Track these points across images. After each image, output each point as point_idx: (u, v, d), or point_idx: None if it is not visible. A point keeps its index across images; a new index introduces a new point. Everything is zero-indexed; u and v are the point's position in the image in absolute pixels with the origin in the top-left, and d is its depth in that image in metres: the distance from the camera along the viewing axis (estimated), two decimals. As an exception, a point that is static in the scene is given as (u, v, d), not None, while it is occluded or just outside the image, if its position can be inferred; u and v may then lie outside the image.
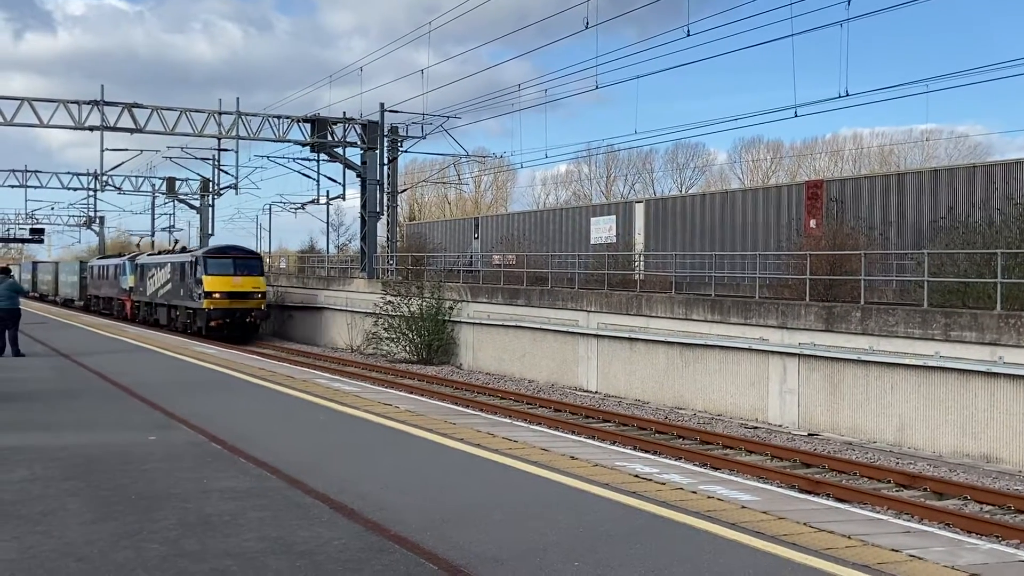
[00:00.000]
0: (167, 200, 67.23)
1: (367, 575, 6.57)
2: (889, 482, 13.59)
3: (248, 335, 41.62)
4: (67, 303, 69.15)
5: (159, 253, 53.33)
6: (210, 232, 58.75)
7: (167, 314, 45.72)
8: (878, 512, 9.98)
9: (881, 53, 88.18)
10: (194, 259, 42.01)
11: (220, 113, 38.43)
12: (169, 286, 45.12)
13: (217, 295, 40.58)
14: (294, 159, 42.19)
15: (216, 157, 51.06)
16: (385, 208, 40.97)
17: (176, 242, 60.56)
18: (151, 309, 48.34)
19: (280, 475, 9.96)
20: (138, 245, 69.71)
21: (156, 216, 73.77)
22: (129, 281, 51.81)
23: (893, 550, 7.56)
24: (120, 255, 60.34)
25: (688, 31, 20.93)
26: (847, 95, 20.48)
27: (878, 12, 17.09)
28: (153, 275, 47.67)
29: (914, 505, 10.90)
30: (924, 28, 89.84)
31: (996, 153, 66.23)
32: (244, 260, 42.14)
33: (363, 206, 40.50)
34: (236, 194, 55.16)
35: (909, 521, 9.56)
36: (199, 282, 41.11)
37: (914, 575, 6.82)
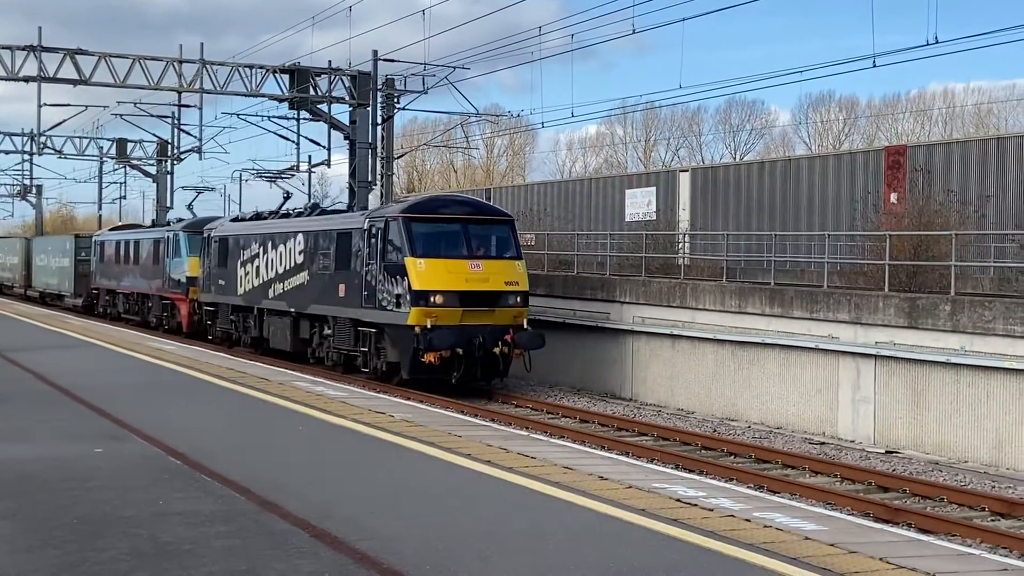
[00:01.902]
0: (117, 166, 67.41)
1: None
2: (983, 509, 13.57)
3: (492, 376, 24.68)
4: (48, 299, 56.37)
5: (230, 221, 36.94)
6: (168, 205, 58.93)
7: (292, 331, 28.63)
8: (970, 546, 9.96)
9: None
10: (376, 221, 24.72)
11: (181, 62, 38.51)
12: (301, 279, 28.09)
13: (438, 298, 23.34)
14: (269, 117, 42.19)
15: (176, 115, 51.10)
16: (379, 177, 40.97)
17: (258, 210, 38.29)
18: (246, 320, 31.71)
19: (251, 496, 10.01)
20: (153, 220, 50.29)
21: (104, 185, 74.08)
22: (188, 267, 36.61)
23: (987, 592, 7.55)
24: (154, 225, 45.23)
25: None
26: (936, 43, 20.36)
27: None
28: (252, 257, 31.05)
29: (1014, 537, 10.88)
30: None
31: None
32: (483, 225, 25.06)
33: (352, 174, 40.49)
34: (200, 159, 54.74)
35: (1007, 556, 9.54)
36: (394, 271, 23.86)
37: (1012, 622, 6.81)
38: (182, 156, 54.35)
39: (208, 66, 38.50)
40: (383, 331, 24.40)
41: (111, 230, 49.05)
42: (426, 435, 14.09)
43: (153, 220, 45.97)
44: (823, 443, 19.79)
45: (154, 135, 60.00)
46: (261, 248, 30.56)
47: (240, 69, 39.05)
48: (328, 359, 27.16)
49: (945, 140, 38.94)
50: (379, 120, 40.44)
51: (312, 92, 39.70)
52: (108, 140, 64.45)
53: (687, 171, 38.42)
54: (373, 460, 12.53)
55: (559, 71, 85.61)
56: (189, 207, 47.08)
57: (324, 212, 29.90)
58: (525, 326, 24.17)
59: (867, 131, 75.02)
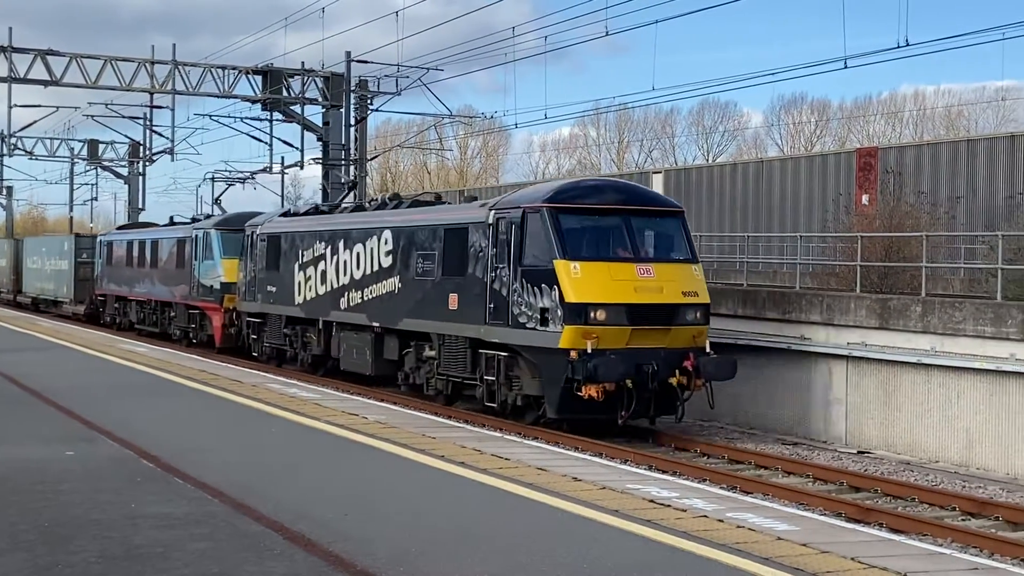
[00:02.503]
0: (88, 167, 67.02)
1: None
2: (954, 509, 13.66)
3: (664, 414, 18.87)
4: (42, 306, 51.05)
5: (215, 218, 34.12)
6: (140, 206, 58.62)
7: (374, 350, 22.90)
8: (940, 545, 10.02)
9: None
10: (508, 213, 18.93)
11: (153, 63, 38.33)
12: (389, 286, 22.16)
13: (600, 313, 17.68)
14: (242, 119, 42.05)
15: (148, 116, 50.80)
16: (352, 178, 40.89)
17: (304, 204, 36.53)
18: (305, 334, 25.92)
19: (223, 498, 9.97)
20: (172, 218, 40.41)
21: (75, 186, 73.61)
22: (222, 271, 30.82)
23: (958, 590, 7.61)
24: (172, 223, 38.16)
25: (718, -33, 20.86)
26: (907, 45, 20.49)
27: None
28: (315, 259, 25.17)
29: (984, 537, 10.95)
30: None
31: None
32: (648, 218, 19.46)
33: (325, 176, 40.41)
34: (172, 160, 53.79)
35: (977, 556, 9.60)
36: (536, 278, 18.12)
37: (982, 620, 6.86)
38: (154, 157, 54.01)
39: (180, 67, 38.32)
40: (518, 356, 18.36)
41: (119, 229, 42.89)
42: (400, 436, 14.08)
43: (171, 217, 38.14)
44: (796, 444, 19.89)
45: (126, 136, 59.65)
46: (329, 248, 24.26)
47: (213, 70, 38.88)
48: (429, 387, 21.08)
49: (916, 142, 39.21)
50: (352, 121, 40.36)
51: (285, 93, 39.58)
52: (79, 141, 64.05)
53: (660, 172, 38.57)
54: (347, 462, 12.51)
55: (533, 73, 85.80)
56: (216, 202, 39.46)
57: (419, 203, 23.92)
58: (707, 349, 18.53)
59: (839, 133, 75.49)
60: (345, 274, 23.60)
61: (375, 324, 22.38)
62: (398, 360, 22.06)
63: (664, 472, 13.68)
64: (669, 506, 10.24)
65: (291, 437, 14.25)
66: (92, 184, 71.81)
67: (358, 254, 23.10)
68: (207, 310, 31.52)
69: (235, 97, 39.91)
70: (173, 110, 40.76)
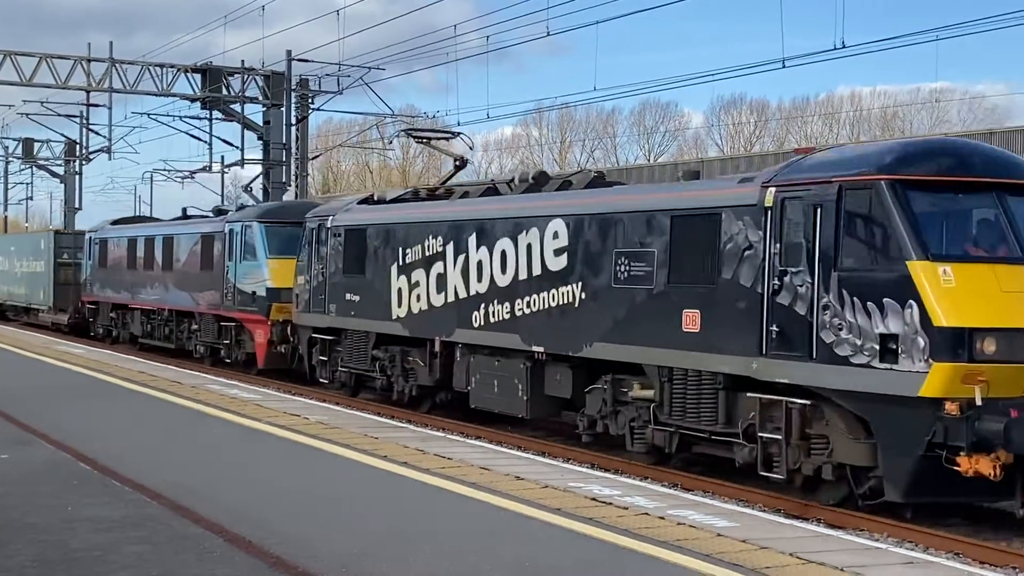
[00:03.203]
0: (23, 166, 66.01)
1: (268, 620, 6.54)
2: (892, 510, 13.83)
3: None
4: (10, 314, 44.15)
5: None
6: (77, 206, 57.81)
7: (532, 384, 16.50)
8: (877, 540, 10.16)
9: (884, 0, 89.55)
10: (806, 193, 12.48)
11: (89, 60, 37.82)
12: (561, 297, 15.79)
13: (989, 343, 11.14)
14: (181, 117, 41.64)
15: (84, 114, 50.18)
16: (293, 178, 40.63)
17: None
18: (407, 358, 19.42)
19: (163, 501, 9.88)
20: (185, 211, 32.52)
21: (9, 186, 72.44)
22: (269, 274, 24.21)
23: (893, 584, 7.73)
24: (185, 216, 31.59)
25: (659, -32, 21.01)
26: (843, 47, 20.76)
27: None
28: (428, 259, 18.72)
29: (919, 531, 11.09)
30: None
31: (1019, 116, 67.81)
32: None
33: (266, 175, 40.11)
34: (109, 159, 53.08)
35: (913, 550, 9.74)
36: (873, 289, 11.72)
37: (917, 613, 6.97)
38: (91, 156, 53.36)
39: (118, 65, 37.86)
40: (823, 404, 12.22)
41: (114, 224, 35.32)
42: (342, 437, 14.03)
43: (184, 209, 31.68)
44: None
45: (62, 135, 58.83)
46: (451, 245, 17.70)
47: (151, 68, 38.47)
48: (636, 440, 14.73)
49: (852, 143, 39.73)
50: (293, 120, 40.12)
51: (225, 92, 39.24)
52: (14, 140, 63.04)
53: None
54: (288, 463, 12.44)
55: (475, 72, 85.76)
56: (247, 188, 33.09)
57: (601, 182, 17.31)
58: None
59: (777, 133, 76.22)
60: (480, 279, 17.02)
61: (536, 349, 15.89)
62: (573, 399, 15.79)
63: (606, 470, 13.73)
64: (611, 504, 10.29)
65: (232, 438, 14.14)
66: (27, 183, 70.72)
67: (503, 252, 16.66)
68: (247, 322, 24.65)
69: (174, 95, 39.51)
70: (111, 108, 40.32)
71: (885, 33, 74.96)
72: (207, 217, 29.31)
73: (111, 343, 32.65)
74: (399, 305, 18.99)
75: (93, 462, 11.79)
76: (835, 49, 20.70)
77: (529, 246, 16.20)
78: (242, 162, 42.11)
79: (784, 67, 22.17)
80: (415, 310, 18.62)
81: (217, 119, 40.97)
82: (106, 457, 12.03)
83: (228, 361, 25.72)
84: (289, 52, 39.57)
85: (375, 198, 21.50)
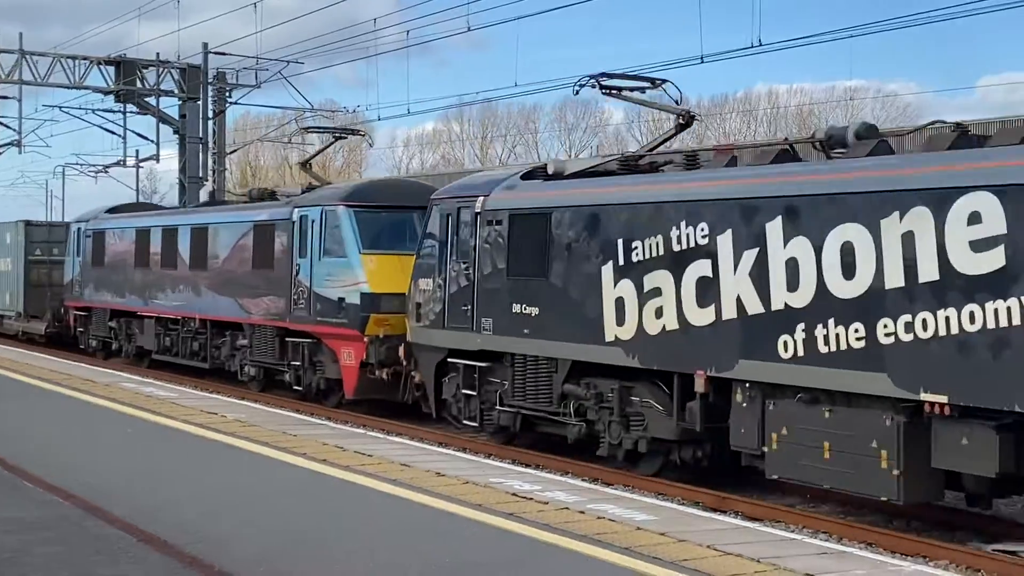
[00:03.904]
0: (-70, 160, 64.34)
1: (184, 621, 6.48)
2: (806, 496, 14.06)
3: None
4: None
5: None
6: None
7: (902, 451, 10.37)
8: (792, 531, 10.33)
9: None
10: None
11: (-2, 52, 37.01)
12: (986, 315, 9.74)
13: None
14: (94, 110, 40.92)
15: (-7, 107, 49.12)
16: (211, 172, 40.11)
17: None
18: (628, 397, 13.49)
19: (75, 501, 9.71)
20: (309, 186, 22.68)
21: (-84, 180, 70.42)
22: (364, 275, 18.17)
23: (807, 574, 7.86)
24: (215, 199, 29.12)
25: (580, -37, 21.06)
26: (760, 45, 21.00)
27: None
28: (657, 257, 12.90)
29: (832, 523, 11.29)
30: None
31: (930, 114, 69.08)
32: None
33: (182, 170, 39.52)
34: (20, 153, 51.93)
35: (827, 541, 9.90)
36: None
37: (831, 602, 7.11)
38: (1, 150, 52.14)
39: (28, 56, 37.07)
40: None
41: (109, 212, 28.58)
42: (260, 435, 13.90)
43: (211, 194, 27.10)
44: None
45: (-30, 128, 57.43)
46: (728, 234, 12.21)
47: (63, 60, 37.71)
48: None
49: (769, 140, 40.30)
50: (210, 114, 39.62)
51: (139, 85, 38.62)
52: (-81, 133, 61.40)
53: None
54: (205, 462, 12.30)
55: (396, 67, 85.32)
56: (305, 165, 24.52)
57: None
58: None
59: (697, 130, 76.96)
60: (794, 287, 11.44)
61: (928, 397, 10.22)
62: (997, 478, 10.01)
63: (527, 466, 13.79)
64: (531, 499, 10.33)
65: (146, 437, 13.95)
66: (-66, 177, 68.79)
67: (847, 246, 11.01)
68: (328, 338, 18.59)
69: (86, 88, 38.76)
70: (20, 101, 39.42)
71: (801, 32, 76.05)
72: (260, 202, 22.19)
73: (105, 358, 26.44)
74: (618, 322, 13.23)
75: (2, 462, 11.55)
76: (752, 47, 20.91)
77: (910, 235, 10.48)
78: (157, 156, 41.49)
79: (703, 62, 22.32)
80: (651, 330, 12.94)
81: (131, 112, 40.30)
82: (17, 458, 11.79)
83: (297, 388, 19.63)
84: (205, 45, 39.05)
85: (551, 170, 15.15)
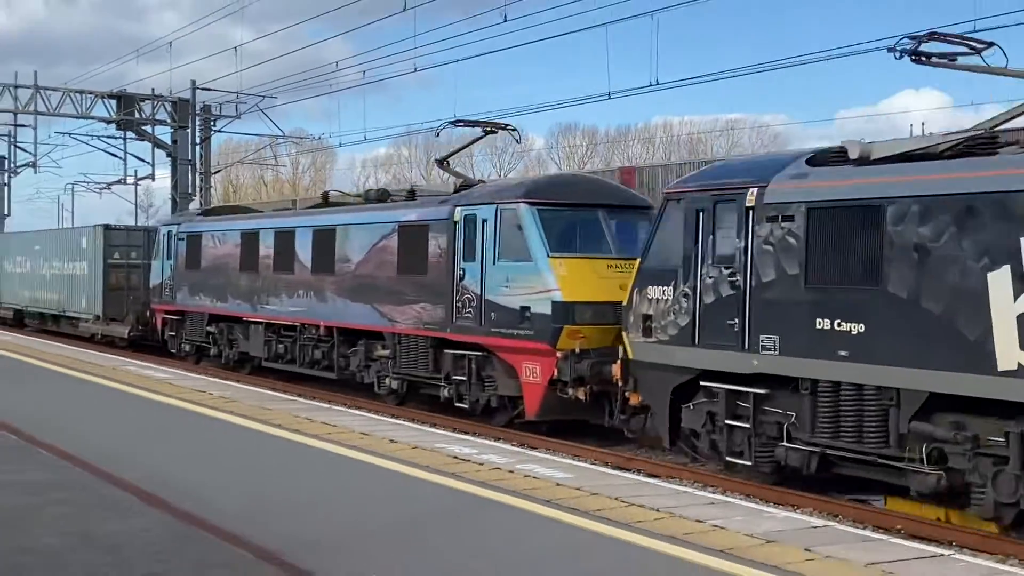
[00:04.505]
0: (-43, 178, 62.65)
1: (179, 566, 6.35)
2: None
3: None
4: (29, 321, 33.09)
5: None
6: (6, 212, 55.26)
7: None
8: (685, 485, 10.40)
9: (691, 44, 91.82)
10: None
11: (16, 87, 36.18)
12: None
13: None
14: (99, 137, 40.23)
15: (12, 133, 47.99)
16: (198, 189, 39.59)
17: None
18: None
19: (85, 466, 9.48)
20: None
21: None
22: (555, 281, 13.26)
23: (698, 520, 7.91)
24: (329, 200, 20.43)
25: (505, 16, 21.05)
26: (657, 84, 21.14)
27: (686, 3, 17.74)
28: None
29: (718, 478, 11.41)
30: (731, 20, 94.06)
31: (796, 142, 70.12)
32: None
33: (174, 187, 38.97)
34: (35, 173, 50.95)
35: (714, 493, 10.00)
36: None
37: (716, 544, 7.17)
38: (18, 171, 51.13)
39: (41, 91, 36.36)
40: None
41: (204, 215, 24.09)
42: (241, 409, 13.70)
43: (325, 194, 20.76)
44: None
45: (-8, 151, 56.02)
46: None
47: (71, 94, 37.08)
48: None
49: (664, 163, 40.64)
50: (198, 140, 39.08)
51: (137, 115, 38.03)
52: (-53, 155, 59.75)
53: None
54: (195, 432, 12.10)
55: (354, 101, 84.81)
56: (444, 163, 17.86)
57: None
58: None
59: (605, 155, 77.46)
60: None
61: None
62: None
63: (466, 433, 13.73)
64: (470, 461, 10.29)
65: (145, 411, 13.68)
66: (-39, 193, 67.01)
67: None
68: (506, 352, 13.90)
69: (92, 118, 38.17)
70: (35, 129, 38.71)
71: (692, 72, 76.86)
72: (403, 203, 16.94)
73: (196, 362, 21.86)
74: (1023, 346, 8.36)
75: (19, 432, 11.26)
76: (651, 86, 21.07)
77: None
78: (153, 176, 40.96)
79: (610, 98, 22.41)
80: None
81: (131, 138, 39.81)
82: (31, 428, 11.48)
83: (460, 405, 14.78)
84: (194, 82, 38.60)
85: (856, 154, 9.95)
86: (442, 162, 17.68)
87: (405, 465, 9.88)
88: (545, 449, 12.67)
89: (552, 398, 13.19)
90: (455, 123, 15.81)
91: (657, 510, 8.22)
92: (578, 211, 13.94)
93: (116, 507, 7.90)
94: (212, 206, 26.61)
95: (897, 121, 73.50)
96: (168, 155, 39.24)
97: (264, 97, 38.12)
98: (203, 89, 38.52)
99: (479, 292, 13.96)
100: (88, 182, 49.43)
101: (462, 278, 14.33)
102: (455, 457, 10.47)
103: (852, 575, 6.52)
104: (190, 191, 39.09)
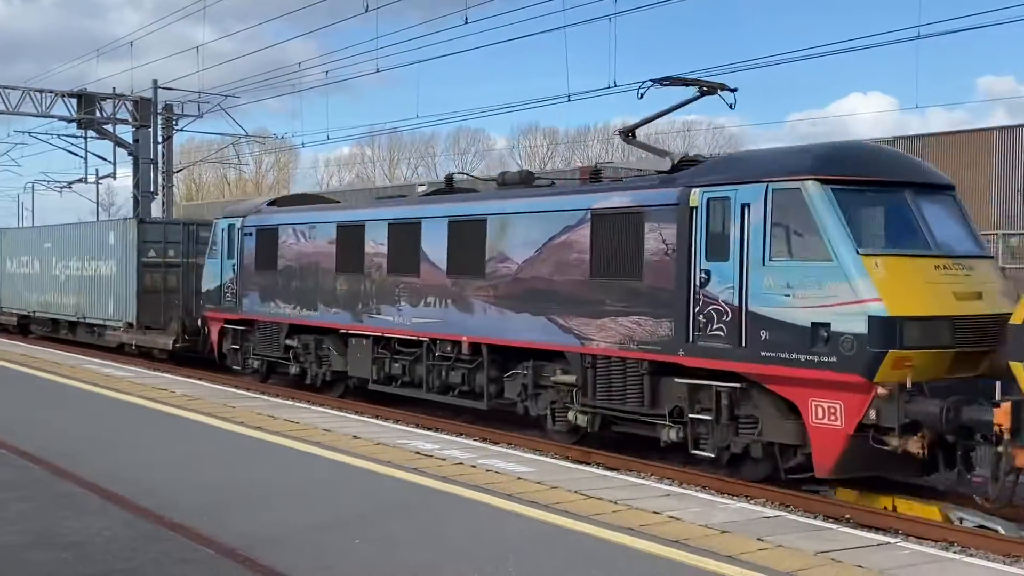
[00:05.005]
0: (-86, 176, 61.36)
1: (140, 563, 6.31)
2: (654, 449, 14.29)
3: None
4: (35, 328, 28.93)
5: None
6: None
7: None
8: (642, 478, 10.50)
9: (649, 46, 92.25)
10: None
11: (-26, 84, 35.61)
12: None
13: None
14: (59, 135, 39.70)
15: (-30, 131, 47.20)
16: (160, 188, 39.18)
17: None
18: None
19: (45, 465, 9.38)
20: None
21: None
22: (874, 290, 9.21)
23: (655, 512, 7.99)
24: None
25: (466, 18, 21.05)
26: (615, 86, 21.27)
27: (645, 8, 17.81)
28: None
29: (674, 470, 11.51)
30: (687, 24, 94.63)
31: (750, 143, 70.70)
32: None
33: (136, 186, 38.53)
34: (-6, 170, 50.25)
35: (671, 486, 10.09)
36: None
37: (672, 535, 7.25)
38: (-23, 168, 50.13)
39: (1, 89, 35.77)
40: None
41: (275, 204, 19.28)
42: (204, 407, 13.61)
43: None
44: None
45: (-52, 150, 55.00)
46: None
47: (32, 93, 36.55)
48: None
49: (625, 164, 40.85)
50: (160, 139, 38.67)
51: (99, 114, 37.54)
52: (-96, 153, 58.57)
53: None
54: (157, 430, 12.00)
55: (317, 100, 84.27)
56: (628, 135, 13.52)
57: None
58: None
59: (566, 155, 77.68)
60: None
61: None
62: None
63: (429, 429, 13.74)
64: (432, 456, 10.31)
65: (106, 411, 13.54)
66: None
67: None
68: (782, 383, 9.97)
69: (52, 117, 37.63)
70: (-6, 127, 38.00)
71: (650, 74, 77.47)
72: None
73: (263, 380, 18.41)
74: None
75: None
76: (608, 88, 21.20)
77: None
78: (114, 174, 40.45)
79: (569, 100, 22.51)
80: None
81: (92, 137, 39.27)
82: (-7, 429, 11.35)
83: (702, 454, 11.07)
84: (155, 81, 38.16)
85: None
86: (627, 134, 13.52)
87: (368, 461, 9.88)
88: (507, 444, 12.71)
89: (858, 449, 9.40)
90: (663, 81, 12.23)
91: (615, 502, 8.29)
92: (883, 192, 10.19)
93: (76, 505, 7.83)
94: (281, 195, 22.35)
95: (847, 123, 74.31)
96: (129, 154, 38.77)
97: (226, 96, 37.81)
98: (165, 88, 38.11)
99: (737, 303, 10.25)
100: (49, 181, 48.70)
101: (704, 283, 10.61)
102: (417, 453, 10.48)
103: (802, 563, 6.62)
104: (152, 189, 38.69)
